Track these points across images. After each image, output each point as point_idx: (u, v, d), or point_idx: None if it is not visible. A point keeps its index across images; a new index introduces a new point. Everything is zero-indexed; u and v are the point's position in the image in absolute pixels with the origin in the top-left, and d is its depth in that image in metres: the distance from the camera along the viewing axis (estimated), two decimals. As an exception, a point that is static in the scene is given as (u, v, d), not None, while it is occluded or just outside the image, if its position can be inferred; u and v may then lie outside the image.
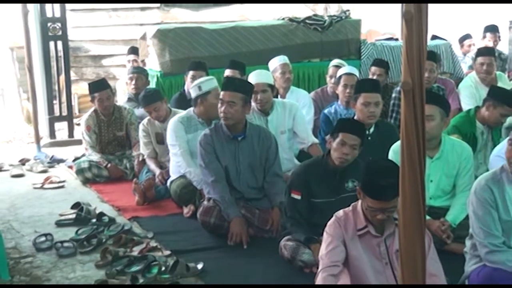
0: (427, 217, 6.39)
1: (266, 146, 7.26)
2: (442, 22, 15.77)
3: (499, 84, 9.71)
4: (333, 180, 6.38)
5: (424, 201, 3.55)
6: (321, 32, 11.87)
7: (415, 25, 3.33)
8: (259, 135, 7.28)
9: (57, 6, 11.75)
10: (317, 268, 5.43)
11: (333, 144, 6.22)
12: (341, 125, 6.37)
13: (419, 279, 3.56)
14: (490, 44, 13.42)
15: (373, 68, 10.22)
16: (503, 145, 6.76)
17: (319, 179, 6.40)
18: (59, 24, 11.86)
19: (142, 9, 15.56)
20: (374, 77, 9.94)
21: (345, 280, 4.92)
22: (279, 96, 9.15)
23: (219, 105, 7.06)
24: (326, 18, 12.26)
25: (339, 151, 5.97)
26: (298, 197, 6.41)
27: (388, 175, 4.59)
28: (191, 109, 8.15)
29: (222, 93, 7.09)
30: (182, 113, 8.27)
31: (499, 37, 14.42)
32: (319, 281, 4.78)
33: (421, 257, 3.56)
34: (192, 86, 8.23)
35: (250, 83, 7.67)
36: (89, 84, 9.91)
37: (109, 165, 9.41)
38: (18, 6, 11.38)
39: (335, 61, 10.36)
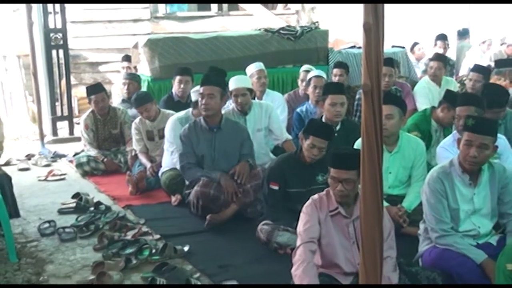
0: (387, 204, 6.46)
1: (240, 137, 7.35)
2: (398, 32, 15.87)
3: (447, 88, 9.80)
4: (305, 173, 6.52)
5: (382, 189, 3.57)
6: (293, 41, 11.86)
7: (373, 35, 3.35)
8: (233, 128, 7.38)
9: (58, 18, 11.72)
10: (291, 249, 5.51)
11: (304, 144, 6.37)
12: (312, 128, 6.45)
13: (377, 256, 3.59)
14: (441, 51, 13.50)
15: (335, 70, 10.36)
16: (448, 138, 6.90)
17: (293, 171, 6.53)
18: (61, 35, 11.83)
19: (135, 21, 15.55)
20: (336, 78, 10.12)
21: (316, 257, 4.95)
22: (256, 98, 9.15)
23: (199, 98, 7.15)
24: (298, 28, 12.25)
25: (309, 152, 6.17)
26: (276, 187, 6.55)
27: (347, 150, 4.93)
28: (190, 109, 8.16)
29: (201, 88, 7.16)
30: (181, 113, 8.27)
31: (447, 44, 14.57)
32: (299, 253, 4.79)
33: (379, 237, 3.58)
34: (193, 90, 8.31)
35: (224, 78, 7.76)
36: (86, 88, 9.90)
37: (105, 159, 9.40)
38: (24, 18, 11.44)
39: (305, 67, 10.40)
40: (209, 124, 7.27)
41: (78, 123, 11.16)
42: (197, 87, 8.09)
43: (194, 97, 8.04)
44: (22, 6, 11.68)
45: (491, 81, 9.98)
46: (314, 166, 6.50)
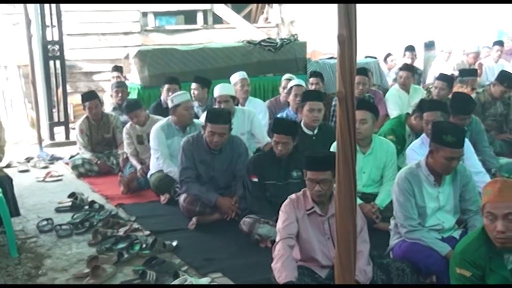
0: (361, 201, 6.55)
1: (237, 153, 7.23)
2: (372, 43, 15.95)
3: (415, 95, 9.90)
4: (280, 168, 6.60)
5: (355, 188, 3.60)
6: (274, 52, 11.91)
7: (346, 46, 3.37)
8: (232, 144, 7.23)
9: (56, 31, 11.71)
10: (271, 242, 5.55)
11: (272, 141, 6.55)
12: (274, 126, 6.65)
13: (351, 250, 3.61)
14: (409, 61, 13.65)
15: (311, 79, 10.35)
16: (417, 141, 6.98)
17: (268, 165, 6.63)
18: (58, 46, 11.81)
19: (126, 33, 15.59)
20: (313, 86, 10.10)
21: (295, 251, 5.00)
22: (239, 104, 9.18)
23: (211, 136, 6.92)
24: (278, 41, 12.30)
25: (275, 147, 6.19)
26: (255, 179, 6.59)
27: (321, 153, 4.96)
28: (170, 117, 8.13)
29: (213, 125, 6.88)
30: (162, 121, 8.24)
31: (415, 55, 14.70)
32: (278, 249, 4.84)
33: (353, 232, 3.61)
34: (168, 99, 8.24)
35: (230, 114, 7.52)
36: (81, 95, 9.90)
37: (98, 161, 9.39)
38: (24, 31, 11.47)
39: (287, 75, 10.45)
40: (211, 148, 7.08)
41: (73, 128, 11.15)
42: (172, 96, 8.19)
43: (169, 105, 8.03)
44: (22, 20, 11.65)
45: (455, 89, 10.06)
46: (289, 163, 6.59)
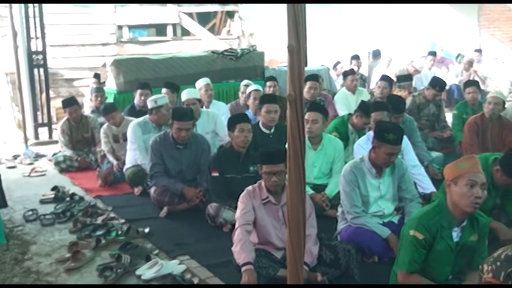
0: (312, 192, 6.61)
1: (201, 149, 7.23)
2: (322, 52, 16.08)
3: (360, 97, 10.00)
4: (238, 163, 6.59)
5: (304, 179, 3.63)
6: (235, 61, 11.94)
7: (295, 55, 3.40)
8: (195, 141, 7.25)
9: (40, 42, 11.61)
10: (232, 226, 5.58)
11: (233, 135, 6.58)
12: (233, 120, 6.68)
13: (301, 234, 3.65)
14: (355, 68, 13.77)
15: (268, 83, 10.41)
16: (363, 137, 7.05)
17: (228, 160, 6.62)
18: (41, 56, 11.69)
19: (103, 44, 15.53)
20: (271, 89, 10.14)
21: (253, 236, 5.04)
22: (204, 107, 9.18)
23: (178, 132, 6.97)
24: (239, 50, 12.34)
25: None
26: (216, 174, 6.56)
27: (275, 148, 5.00)
28: (147, 116, 8.09)
29: (179, 122, 6.93)
30: (140, 119, 8.21)
31: (360, 63, 14.93)
32: (237, 234, 4.89)
33: (302, 218, 3.64)
34: (149, 100, 8.17)
35: (193, 112, 7.56)
36: (62, 101, 9.82)
37: (78, 158, 9.31)
38: (11, 42, 11.42)
39: (245, 82, 10.47)
40: (177, 143, 7.11)
41: (56, 129, 11.05)
42: (153, 97, 8.21)
43: (150, 105, 8.02)
44: (9, 33, 11.57)
45: (394, 93, 10.18)
46: (247, 158, 6.60)
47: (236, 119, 6.70)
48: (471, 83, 10.03)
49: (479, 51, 16.53)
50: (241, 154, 6.58)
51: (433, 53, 15.69)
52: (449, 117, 10.18)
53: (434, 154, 8.31)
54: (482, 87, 12.91)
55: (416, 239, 4.08)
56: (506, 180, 5.60)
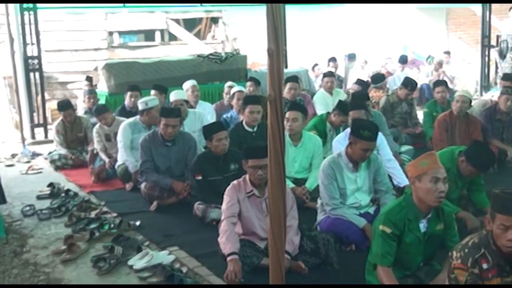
0: (293, 185, 6.62)
1: (187, 146, 7.22)
2: (301, 55, 16.11)
3: (337, 97, 10.03)
4: (219, 164, 6.56)
5: (284, 173, 3.63)
6: (220, 64, 11.95)
7: (275, 57, 3.41)
8: (183, 138, 7.25)
9: (35, 48, 11.50)
10: (217, 222, 5.58)
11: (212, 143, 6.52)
12: (208, 130, 6.59)
13: (282, 224, 3.66)
14: (333, 70, 13.81)
15: (248, 83, 10.42)
16: (341, 134, 7.06)
17: (209, 163, 6.57)
18: (37, 61, 11.60)
19: (95, 49, 15.45)
20: (251, 89, 10.17)
21: (238, 227, 5.06)
22: (191, 107, 9.17)
23: (165, 128, 6.98)
24: (223, 54, 12.36)
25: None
26: (199, 177, 6.53)
27: (260, 144, 4.92)
28: (138, 117, 8.07)
29: (167, 119, 6.96)
30: (131, 119, 8.18)
31: (337, 65, 15.02)
32: (223, 225, 4.92)
33: (283, 210, 3.65)
34: (140, 101, 8.14)
35: (180, 111, 7.55)
36: (57, 104, 9.75)
37: (73, 156, 9.28)
38: (8, 48, 11.43)
39: (229, 83, 10.51)
40: (165, 140, 7.11)
41: (51, 129, 11.00)
42: (144, 99, 8.18)
43: (141, 106, 8.00)
44: (6, 39, 11.51)
45: (371, 93, 10.23)
46: (227, 158, 6.56)
47: (212, 129, 6.59)
48: (440, 83, 10.09)
49: (447, 53, 16.61)
50: (221, 156, 6.54)
51: (404, 61, 15.86)
52: (420, 114, 10.24)
53: (406, 147, 8.39)
54: (450, 86, 13.05)
55: (385, 233, 4.11)
56: (471, 170, 5.66)
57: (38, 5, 11.35)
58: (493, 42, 15.70)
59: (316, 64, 15.74)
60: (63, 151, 9.38)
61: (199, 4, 13.57)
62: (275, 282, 3.72)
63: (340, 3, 17.10)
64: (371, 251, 4.29)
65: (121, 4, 12.38)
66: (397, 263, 4.21)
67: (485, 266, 3.53)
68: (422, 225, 4.18)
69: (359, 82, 10.81)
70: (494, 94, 11.00)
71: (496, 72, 15.56)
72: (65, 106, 9.54)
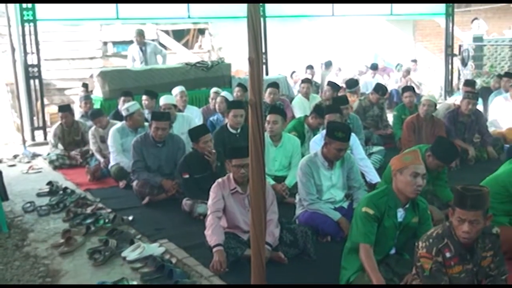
0: (274, 182, 6.65)
1: (176, 147, 7.22)
2: (280, 63, 16.14)
3: (314, 102, 10.08)
4: (203, 162, 6.57)
5: (264, 171, 3.67)
6: (206, 71, 11.90)
7: (255, 65, 3.43)
8: (172, 140, 7.25)
9: (35, 57, 11.38)
10: (203, 216, 5.58)
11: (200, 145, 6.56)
12: (195, 133, 6.62)
13: (262, 218, 3.68)
14: (310, 77, 13.87)
15: (236, 89, 10.47)
16: (318, 135, 7.10)
17: (195, 162, 6.57)
18: (36, 69, 11.50)
19: (91, 58, 15.38)
20: (239, 94, 10.22)
21: (223, 221, 5.07)
22: (180, 111, 9.16)
23: (156, 130, 7.01)
24: (209, 62, 12.31)
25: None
26: (187, 176, 6.53)
27: (242, 144, 4.86)
28: (124, 122, 8.06)
29: (157, 122, 7.00)
30: (118, 124, 8.17)
31: (314, 72, 15.09)
32: (209, 219, 4.93)
33: (263, 205, 3.67)
34: (123, 108, 8.19)
35: (170, 114, 7.59)
36: (58, 107, 9.77)
37: (69, 153, 9.27)
38: (10, 57, 11.41)
39: (214, 89, 10.54)
40: (156, 141, 7.11)
41: (50, 132, 10.96)
42: (125, 105, 8.16)
43: (124, 113, 8.01)
44: (8, 48, 11.48)
45: (350, 99, 10.27)
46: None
47: (198, 132, 6.63)
48: (408, 88, 10.14)
49: (414, 61, 16.71)
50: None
51: (375, 68, 15.96)
52: (390, 117, 10.28)
53: (377, 148, 8.41)
54: (417, 91, 13.16)
55: (367, 214, 4.13)
56: (437, 163, 5.71)
57: (38, 17, 11.24)
58: (456, 51, 15.86)
59: (294, 72, 15.81)
60: (58, 151, 9.35)
61: (187, 17, 13.52)
62: (257, 271, 3.75)
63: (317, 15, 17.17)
64: (351, 234, 4.29)
65: (115, 17, 12.31)
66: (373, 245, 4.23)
67: (448, 254, 3.58)
68: (400, 214, 4.22)
69: (331, 84, 11.00)
70: (457, 99, 11.08)
71: (459, 78, 15.76)
72: (65, 108, 9.58)
